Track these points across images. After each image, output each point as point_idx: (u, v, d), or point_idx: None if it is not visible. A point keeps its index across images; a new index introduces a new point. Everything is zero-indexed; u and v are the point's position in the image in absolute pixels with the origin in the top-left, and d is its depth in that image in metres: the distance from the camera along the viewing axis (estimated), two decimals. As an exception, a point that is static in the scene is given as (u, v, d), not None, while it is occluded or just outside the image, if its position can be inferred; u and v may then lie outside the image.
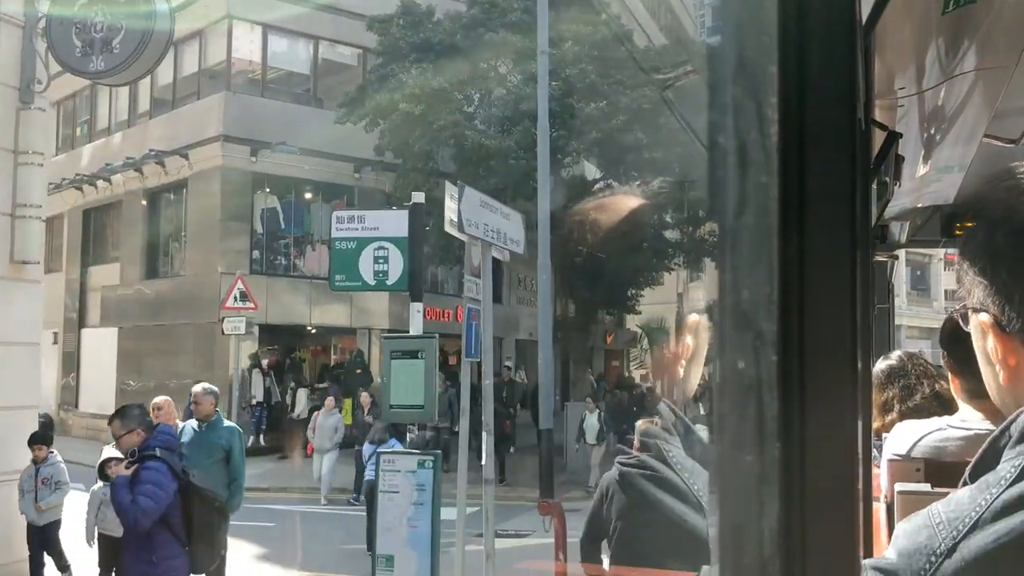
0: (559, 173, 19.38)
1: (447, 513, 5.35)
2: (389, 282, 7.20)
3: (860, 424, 0.51)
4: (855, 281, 0.44)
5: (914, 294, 39.47)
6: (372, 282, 7.12)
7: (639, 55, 18.32)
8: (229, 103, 21.15)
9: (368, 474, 10.82)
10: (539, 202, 14.98)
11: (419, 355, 5.38)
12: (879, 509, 2.00)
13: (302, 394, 20.90)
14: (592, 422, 17.53)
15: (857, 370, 0.47)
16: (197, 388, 7.84)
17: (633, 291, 24.80)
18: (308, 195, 22.80)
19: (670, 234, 22.90)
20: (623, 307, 26.12)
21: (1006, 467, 0.96)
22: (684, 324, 1.77)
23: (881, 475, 2.05)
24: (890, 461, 2.00)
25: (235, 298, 17.61)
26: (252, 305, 17.70)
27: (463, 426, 7.05)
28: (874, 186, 2.52)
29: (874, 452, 2.31)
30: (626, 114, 18.60)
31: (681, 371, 1.67)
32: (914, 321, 35.56)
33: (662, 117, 16.28)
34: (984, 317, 1.00)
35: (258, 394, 19.59)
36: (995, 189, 1.02)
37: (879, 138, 2.61)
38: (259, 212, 21.77)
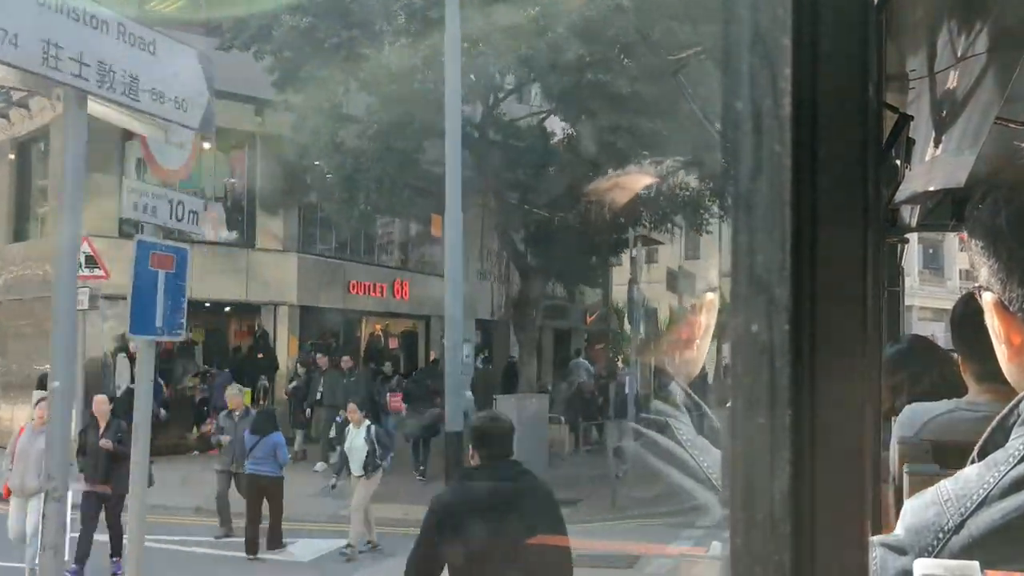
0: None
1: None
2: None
3: (870, 403, 0.52)
4: (866, 249, 0.45)
5: (927, 273, 38.37)
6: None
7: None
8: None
9: (249, 467, 10.07)
10: (447, 140, 13.05)
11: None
12: (888, 490, 2.01)
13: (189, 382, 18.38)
14: (358, 443, 10.62)
15: (867, 339, 0.48)
16: None
17: (595, 260, 22.28)
18: (199, 141, 19.08)
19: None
20: (583, 280, 24.24)
21: (1015, 444, 0.97)
22: (701, 302, 1.78)
23: (891, 457, 2.05)
24: (899, 443, 2.01)
25: (80, 264, 15.00)
26: (102, 273, 14.38)
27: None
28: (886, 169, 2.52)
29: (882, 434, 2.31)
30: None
31: (696, 350, 1.68)
32: (927, 302, 34.63)
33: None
34: (989, 296, 1.01)
35: (123, 384, 15.81)
36: (1005, 169, 1.03)
37: (890, 120, 2.60)
38: (133, 162, 16.95)
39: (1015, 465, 0.95)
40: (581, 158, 17.41)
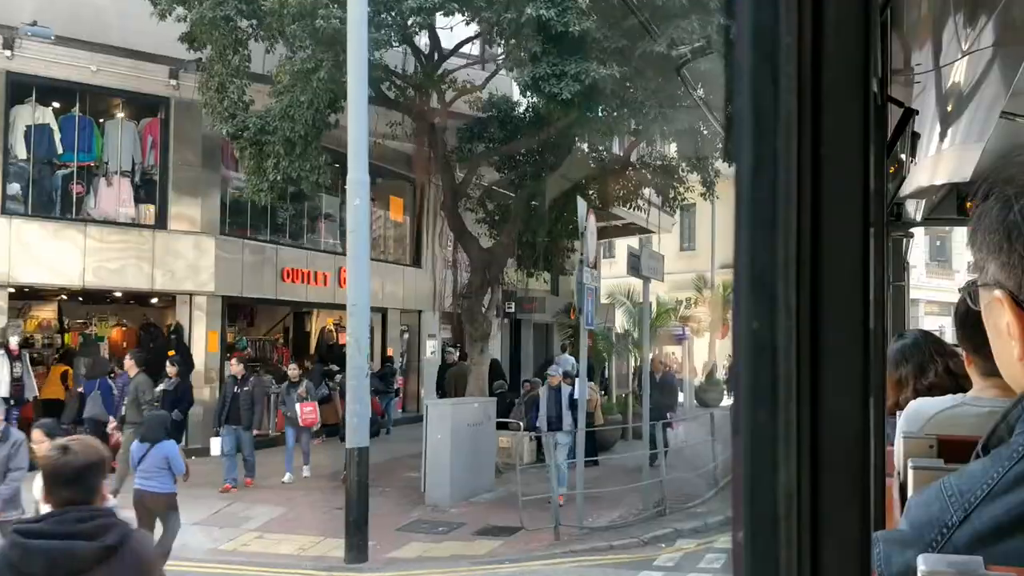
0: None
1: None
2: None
3: (873, 399, 0.53)
4: (867, 248, 0.45)
5: (933, 265, 37.32)
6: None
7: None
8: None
9: (137, 481, 8.40)
10: (350, 86, 10.72)
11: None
12: (893, 485, 2.01)
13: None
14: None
15: (870, 337, 0.48)
16: None
17: (568, 242, 19.60)
18: (103, 109, 16.30)
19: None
20: (547, 267, 21.52)
21: (1020, 440, 0.97)
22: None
23: (895, 452, 2.05)
24: (904, 438, 2.01)
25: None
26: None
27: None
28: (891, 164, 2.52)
29: (887, 429, 2.31)
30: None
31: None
32: (933, 295, 33.91)
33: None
34: (999, 293, 0.99)
35: (1, 387, 13.40)
36: (1010, 164, 1.02)
37: (895, 115, 2.60)
38: (21, 130, 15.05)
39: (1019, 460, 0.94)
40: (533, 118, 15.68)
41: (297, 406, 14.19)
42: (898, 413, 2.34)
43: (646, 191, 19.62)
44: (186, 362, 14.61)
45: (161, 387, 13.02)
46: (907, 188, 4.17)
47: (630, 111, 14.38)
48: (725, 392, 28.36)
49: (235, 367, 14.20)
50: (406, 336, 22.68)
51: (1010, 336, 0.99)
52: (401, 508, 12.48)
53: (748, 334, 0.45)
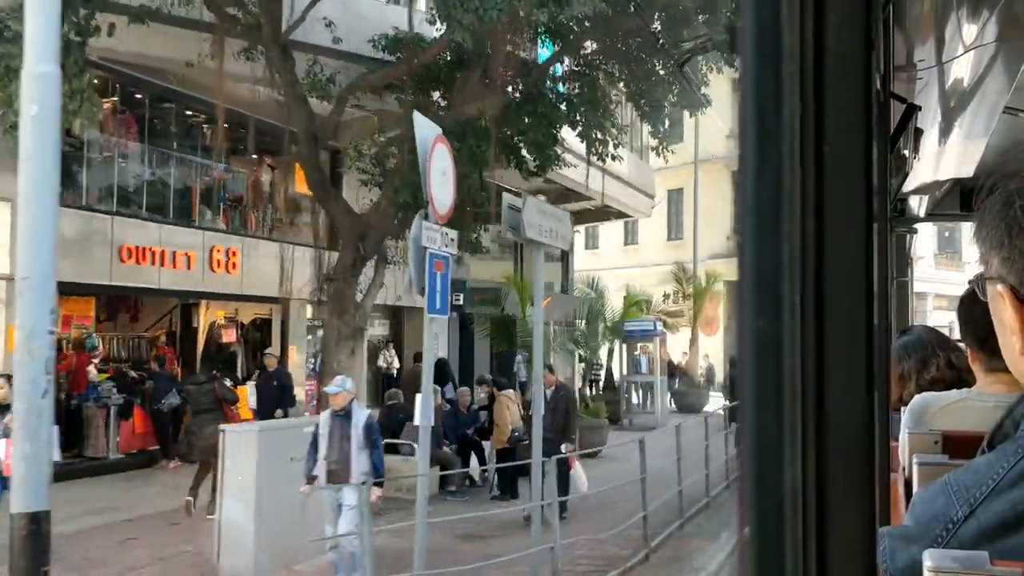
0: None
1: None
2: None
3: (878, 395, 0.53)
4: (871, 245, 0.45)
5: (941, 256, 36.38)
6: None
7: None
8: None
9: None
10: None
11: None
12: (898, 481, 2.01)
13: None
14: None
15: (874, 335, 0.48)
16: None
17: (480, 206, 13.63)
18: None
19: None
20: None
21: None
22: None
23: (900, 447, 2.06)
24: (909, 433, 2.01)
25: None
26: None
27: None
28: (893, 158, 2.52)
29: (892, 425, 2.32)
30: None
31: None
32: (942, 288, 32.47)
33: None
34: (1001, 287, 1.00)
35: None
36: (1014, 159, 1.02)
37: (898, 111, 2.60)
38: None
39: None
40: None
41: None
42: (902, 408, 2.34)
43: (567, 133, 14.47)
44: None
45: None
46: (910, 184, 4.17)
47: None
48: (709, 395, 25.70)
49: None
50: (319, 335, 17.08)
51: (1012, 331, 1.00)
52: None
53: (753, 333, 0.45)
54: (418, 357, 13.85)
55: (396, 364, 19.81)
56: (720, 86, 19.86)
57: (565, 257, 24.52)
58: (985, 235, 1.01)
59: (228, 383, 11.94)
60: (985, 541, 0.91)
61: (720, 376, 27.62)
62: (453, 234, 8.30)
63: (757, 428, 0.45)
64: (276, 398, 13.23)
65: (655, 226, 33.07)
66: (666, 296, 27.84)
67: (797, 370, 0.46)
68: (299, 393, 15.95)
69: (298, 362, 17.29)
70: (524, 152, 13.51)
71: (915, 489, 1.41)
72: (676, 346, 27.40)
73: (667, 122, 15.41)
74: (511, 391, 13.27)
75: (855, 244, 0.46)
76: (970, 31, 2.61)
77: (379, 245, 13.16)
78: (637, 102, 14.55)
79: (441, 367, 15.28)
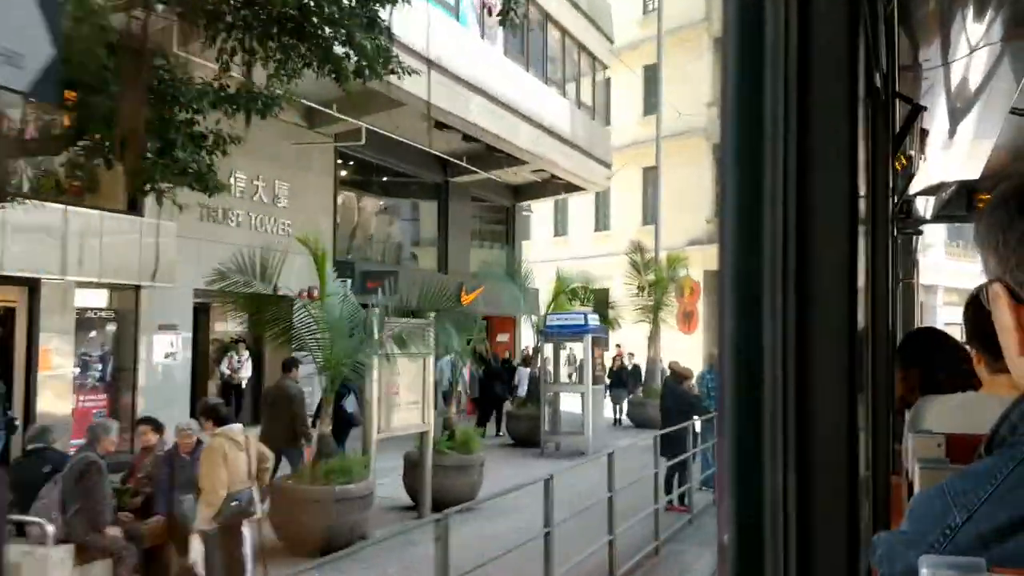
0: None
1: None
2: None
3: (879, 397, 0.52)
4: (854, 248, 0.44)
5: (953, 246, 35.33)
6: None
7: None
8: None
9: None
10: None
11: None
12: (902, 484, 2.00)
13: None
14: None
15: (856, 339, 0.47)
16: None
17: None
18: None
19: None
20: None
21: (1022, 439, 0.96)
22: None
23: (904, 450, 2.05)
24: (913, 435, 2.00)
25: None
26: None
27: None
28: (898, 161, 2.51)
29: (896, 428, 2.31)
30: None
31: None
32: (952, 281, 30.61)
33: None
34: (997, 286, 1.00)
35: None
36: (1021, 160, 1.02)
37: (903, 111, 2.59)
38: None
39: (1022, 460, 0.94)
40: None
41: None
42: (906, 411, 2.33)
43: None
44: None
45: None
46: (916, 185, 4.15)
47: None
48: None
49: None
50: (111, 329, 13.13)
51: (1009, 330, 1.00)
52: None
53: (736, 336, 0.44)
54: (287, 365, 10.36)
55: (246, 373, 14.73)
56: (704, 45, 17.77)
57: (512, 240, 22.05)
58: (982, 236, 1.02)
59: None
60: (982, 547, 0.90)
61: (650, 379, 21.15)
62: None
63: (737, 433, 0.44)
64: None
65: (630, 210, 29.80)
66: (641, 289, 21.10)
67: (779, 375, 0.45)
68: None
69: None
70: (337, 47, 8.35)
71: (917, 491, 1.40)
72: (639, 346, 21.88)
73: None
74: (236, 427, 7.04)
75: (837, 249, 0.44)
76: (976, 31, 2.60)
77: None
78: None
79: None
